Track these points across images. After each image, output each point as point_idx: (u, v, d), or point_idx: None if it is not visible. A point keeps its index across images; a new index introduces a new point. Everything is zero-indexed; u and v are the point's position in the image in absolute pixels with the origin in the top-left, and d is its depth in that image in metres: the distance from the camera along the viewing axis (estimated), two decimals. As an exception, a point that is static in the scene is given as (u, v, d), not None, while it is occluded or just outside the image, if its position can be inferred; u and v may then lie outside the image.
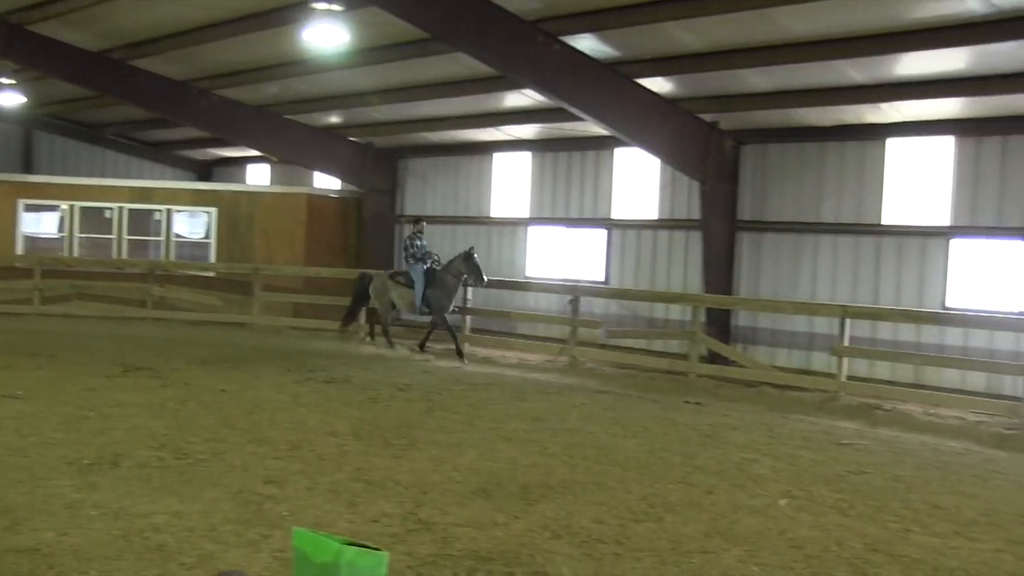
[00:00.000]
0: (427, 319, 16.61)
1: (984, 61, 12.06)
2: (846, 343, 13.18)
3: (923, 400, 12.76)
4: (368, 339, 17.11)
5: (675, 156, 15.31)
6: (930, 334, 13.95)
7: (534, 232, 19.49)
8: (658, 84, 14.56)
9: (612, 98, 14.08)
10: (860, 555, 6.10)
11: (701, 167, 15.46)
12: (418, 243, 16.50)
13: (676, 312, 16.56)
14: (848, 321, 13.17)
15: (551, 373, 14.88)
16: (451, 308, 16.27)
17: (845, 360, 13.19)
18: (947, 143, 14.17)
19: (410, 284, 16.21)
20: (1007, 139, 13.62)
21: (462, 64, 14.72)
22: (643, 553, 5.92)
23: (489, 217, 20.23)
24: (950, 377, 13.57)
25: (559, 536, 6.19)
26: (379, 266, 20.92)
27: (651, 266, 17.53)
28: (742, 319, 16.08)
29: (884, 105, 13.77)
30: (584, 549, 5.95)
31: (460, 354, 15.74)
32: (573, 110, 14.15)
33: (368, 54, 15.49)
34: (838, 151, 15.17)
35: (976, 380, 13.38)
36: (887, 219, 14.69)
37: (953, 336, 13.66)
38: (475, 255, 15.96)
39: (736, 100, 14.79)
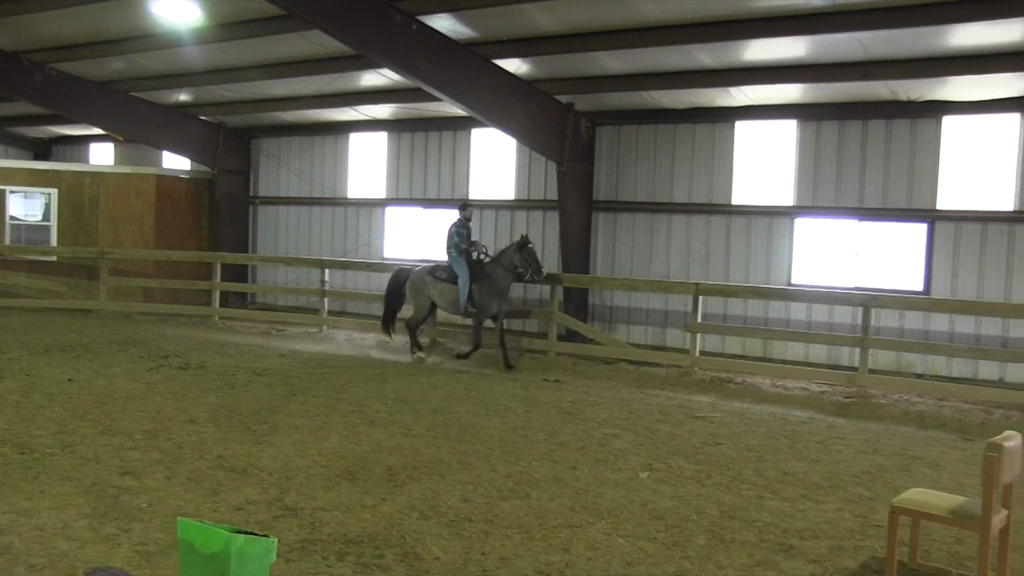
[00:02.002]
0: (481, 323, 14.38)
1: (823, 50, 12.63)
2: (699, 319, 13.63)
3: (771, 373, 13.31)
4: (416, 351, 14.45)
5: (532, 137, 15.44)
6: (777, 309, 14.61)
7: (391, 213, 19.35)
8: (515, 65, 14.64)
9: (470, 79, 14.08)
10: (717, 522, 6.35)
11: (558, 148, 15.66)
12: (464, 232, 14.23)
13: (534, 291, 16.78)
14: (701, 298, 13.62)
15: (409, 355, 14.82)
16: (499, 309, 14.00)
17: (698, 336, 13.64)
18: (790, 127, 14.82)
19: (453, 280, 14.05)
20: (844, 124, 14.35)
21: (318, 43, 14.42)
22: (511, 530, 6.00)
23: (346, 198, 19.97)
24: (795, 350, 14.27)
25: (427, 516, 6.21)
26: (234, 249, 20.48)
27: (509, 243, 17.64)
28: (599, 297, 16.42)
29: (733, 89, 14.24)
30: (453, 528, 5.99)
31: (509, 365, 13.68)
32: (430, 90, 14.07)
33: (221, 30, 14.95)
34: (690, 133, 15.64)
35: (818, 352, 14.13)
36: (737, 199, 15.24)
37: (798, 311, 14.34)
38: (531, 244, 13.95)
39: (592, 82, 15.02)
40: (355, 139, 19.88)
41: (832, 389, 12.52)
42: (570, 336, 15.07)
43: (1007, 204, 13.27)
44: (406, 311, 14.92)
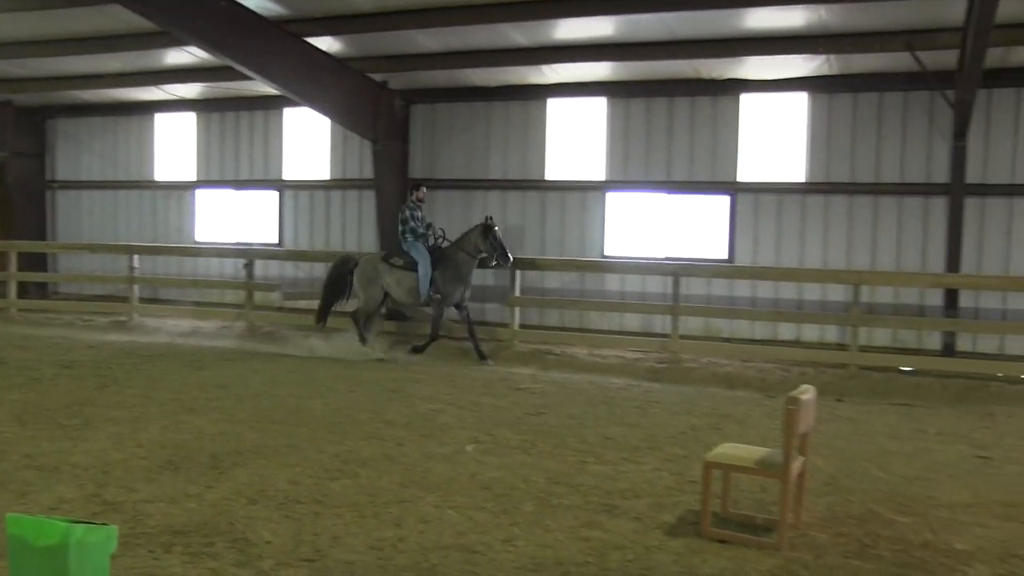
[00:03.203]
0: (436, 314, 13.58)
1: (630, 29, 13.07)
2: (518, 293, 13.92)
3: (588, 343, 13.76)
4: (364, 343, 13.47)
5: (346, 116, 15.28)
6: (593, 281, 15.08)
7: (202, 196, 18.75)
8: (328, 43, 14.43)
9: (281, 57, 13.76)
10: (544, 488, 6.57)
11: (372, 127, 15.57)
12: (419, 215, 13.47)
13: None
14: (519, 272, 13.90)
15: (229, 339, 14.51)
16: (463, 296, 13.23)
17: (517, 310, 13.93)
18: (600, 104, 15.28)
19: (411, 267, 13.16)
20: (651, 101, 14.91)
21: (119, 18, 13.73)
22: (342, 509, 6.01)
23: (153, 181, 19.20)
24: (610, 320, 14.80)
25: (256, 501, 6.14)
26: (31, 237, 19.32)
27: (325, 226, 17.48)
28: (419, 276, 16.45)
29: (545, 67, 14.54)
30: (283, 511, 5.95)
31: (482, 355, 12.95)
32: (240, 69, 13.68)
33: (8, 1, 14.05)
34: (504, 110, 15.87)
35: (633, 321, 14.70)
36: (550, 175, 15.60)
37: (612, 282, 14.86)
38: (495, 227, 13.19)
39: (406, 60, 14.98)
40: (161, 119, 19.09)
41: (646, 356, 13.08)
42: (390, 315, 15.07)
43: (799, 176, 14.16)
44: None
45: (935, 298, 13.41)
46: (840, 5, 11.54)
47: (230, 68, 14.18)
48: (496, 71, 14.99)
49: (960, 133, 12.75)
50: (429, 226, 13.51)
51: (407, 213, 13.35)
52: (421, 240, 13.28)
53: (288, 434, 8.08)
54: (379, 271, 13.39)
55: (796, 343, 13.82)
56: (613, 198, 15.25)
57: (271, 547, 5.30)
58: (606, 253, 15.14)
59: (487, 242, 13.00)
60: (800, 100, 14.14)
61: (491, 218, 13.30)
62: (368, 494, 6.36)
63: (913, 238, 13.64)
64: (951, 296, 13.17)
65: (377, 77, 15.51)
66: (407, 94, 16.14)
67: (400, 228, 13.39)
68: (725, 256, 14.54)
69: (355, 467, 7.04)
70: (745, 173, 14.48)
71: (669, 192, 14.84)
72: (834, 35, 12.51)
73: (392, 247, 15.80)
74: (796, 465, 5.56)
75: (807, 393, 5.51)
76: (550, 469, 7.08)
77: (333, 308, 13.93)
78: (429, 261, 13.06)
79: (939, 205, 13.40)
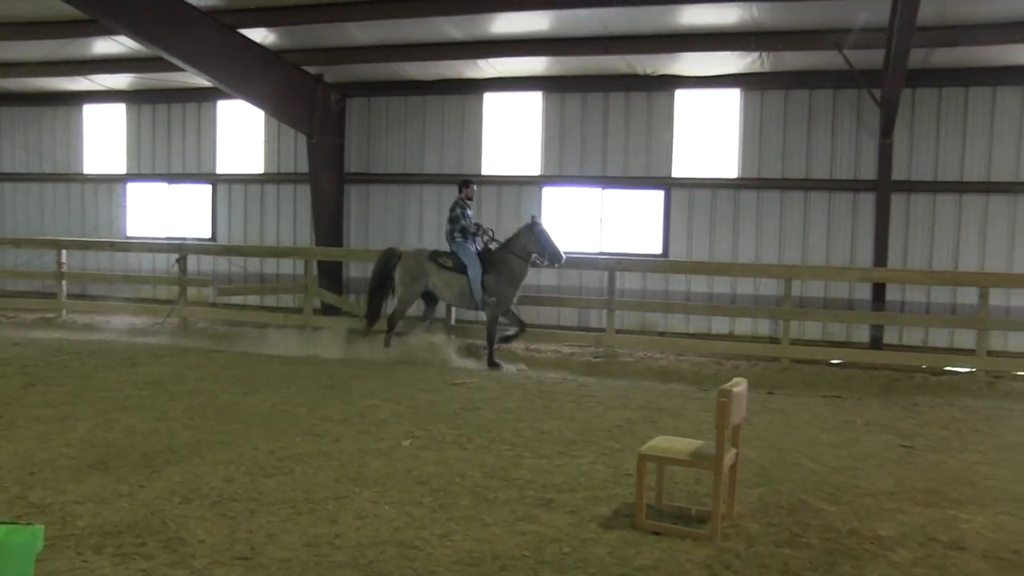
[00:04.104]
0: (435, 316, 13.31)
1: (565, 24, 13.15)
2: (454, 288, 13.90)
3: (524, 337, 13.78)
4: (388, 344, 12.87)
5: (280, 109, 15.12)
6: (528, 275, 15.07)
7: (133, 189, 18.40)
8: (262, 35, 14.27)
9: (213, 48, 13.56)
10: (480, 483, 6.58)
11: (307, 120, 15.43)
12: (470, 213, 12.74)
13: (288, 266, 16.54)
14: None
15: (162, 336, 14.29)
16: (515, 300, 12.72)
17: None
18: (536, 98, 15.33)
19: (460, 268, 12.47)
20: (586, 96, 15.01)
21: (43, 4, 13.42)
22: (277, 506, 5.96)
23: (81, 174, 18.80)
24: (547, 315, 14.85)
25: (189, 500, 6.06)
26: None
27: (260, 221, 17.29)
28: (354, 270, 16.40)
29: (481, 61, 14.55)
30: (217, 509, 5.88)
31: (495, 364, 12.24)
32: (171, 59, 13.44)
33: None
34: (440, 104, 15.85)
35: (569, 316, 14.79)
36: (487, 169, 15.61)
37: (548, 277, 14.89)
38: (542, 225, 12.60)
39: (341, 53, 14.89)
40: (90, 111, 18.70)
41: (582, 350, 13.16)
42: (327, 310, 14.97)
43: (732, 172, 14.37)
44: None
45: (864, 292, 13.71)
46: (772, 4, 11.76)
47: (161, 59, 13.93)
48: (432, 65, 14.96)
49: (887, 131, 13.05)
50: (479, 226, 12.82)
51: (458, 211, 12.59)
52: (470, 240, 12.58)
53: (223, 431, 7.97)
54: (426, 269, 12.66)
55: (730, 337, 14.05)
56: (549, 193, 15.32)
57: (205, 546, 5.24)
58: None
59: (535, 241, 12.41)
60: (733, 96, 14.35)
61: (535, 217, 12.84)
62: (304, 491, 6.31)
63: (842, 233, 13.95)
64: (879, 290, 13.49)
65: (312, 70, 15.38)
66: (343, 88, 16.03)
67: (449, 227, 12.66)
68: (660, 251, 14.70)
69: (291, 464, 6.98)
70: (679, 168, 14.65)
71: (604, 187, 14.96)
72: (766, 33, 12.73)
73: (329, 240, 15.78)
74: (728, 457, 5.65)
75: (739, 386, 5.61)
76: (486, 463, 7.09)
77: (382, 306, 13.19)
78: (479, 263, 12.42)
79: (867, 201, 13.72)
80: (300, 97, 15.28)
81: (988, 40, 12.18)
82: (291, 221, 16.99)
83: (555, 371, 11.96)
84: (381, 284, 12.99)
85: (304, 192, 16.49)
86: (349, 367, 11.61)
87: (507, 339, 12.72)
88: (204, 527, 5.55)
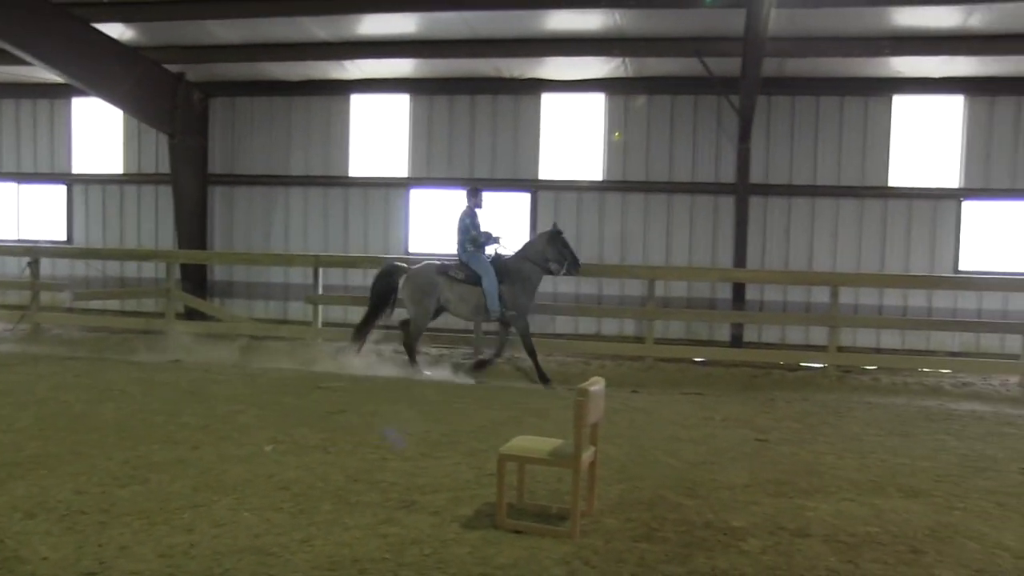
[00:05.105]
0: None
1: (432, 26, 13.16)
2: (320, 291, 13.73)
3: (393, 339, 13.72)
4: (416, 364, 12.06)
5: (139, 107, 14.65)
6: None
7: (-20, 189, 17.55)
8: (119, 30, 13.79)
9: (65, 42, 13.01)
10: (343, 487, 6.51)
11: (168, 119, 15.01)
12: (479, 222, 11.96)
13: (149, 270, 16.02)
14: (322, 270, 13.72)
15: (11, 343, 13.64)
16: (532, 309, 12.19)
17: (320, 307, 13.74)
18: (404, 100, 15.30)
19: (473, 280, 11.75)
20: (453, 98, 15.05)
21: None
22: (130, 517, 5.77)
23: (-77, 173, 17.80)
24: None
25: (33, 515, 5.79)
26: None
27: (120, 223, 16.71)
28: (218, 273, 16.03)
29: (347, 62, 14.43)
30: (64, 523, 5.64)
31: (544, 378, 11.68)
32: (18, 53, 12.84)
33: None
34: (306, 105, 15.63)
35: (440, 318, 14.71)
36: (354, 171, 15.49)
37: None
38: (563, 233, 11.95)
39: (203, 51, 14.52)
40: (-69, 107, 17.73)
41: (451, 352, 13.17)
42: (189, 314, 14.58)
43: (598, 175, 14.63)
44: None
45: (725, 292, 14.15)
46: (634, 11, 12.02)
47: (7, 53, 13.27)
48: (297, 65, 14.75)
49: (744, 136, 13.51)
50: (487, 235, 11.96)
51: (467, 221, 11.84)
52: (481, 250, 11.88)
53: (74, 441, 7.66)
54: (436, 284, 11.86)
55: (596, 337, 14.29)
56: (417, 195, 15.29)
57: (48, 563, 5.02)
58: (410, 250, 15.16)
59: (556, 250, 11.81)
60: (598, 101, 14.60)
61: (557, 224, 12.31)
62: (159, 500, 6.12)
63: (704, 235, 14.37)
64: (739, 290, 13.95)
65: (173, 68, 14.96)
66: (206, 87, 15.65)
67: (459, 238, 11.89)
68: (527, 252, 14.82)
69: (146, 472, 6.76)
70: (546, 171, 14.82)
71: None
72: (629, 39, 13.01)
73: (192, 243, 15.37)
74: (587, 455, 5.74)
75: (596, 385, 5.70)
76: (350, 467, 7.02)
77: (376, 323, 12.38)
78: (493, 274, 11.71)
79: (727, 204, 14.16)
80: (160, 96, 14.84)
81: (833, 52, 12.77)
82: (153, 223, 16.48)
83: (429, 371, 11.99)
84: (383, 301, 12.15)
85: (166, 193, 16.02)
86: (210, 372, 11.32)
87: (482, 364, 12.24)
88: (48, 543, 5.32)
